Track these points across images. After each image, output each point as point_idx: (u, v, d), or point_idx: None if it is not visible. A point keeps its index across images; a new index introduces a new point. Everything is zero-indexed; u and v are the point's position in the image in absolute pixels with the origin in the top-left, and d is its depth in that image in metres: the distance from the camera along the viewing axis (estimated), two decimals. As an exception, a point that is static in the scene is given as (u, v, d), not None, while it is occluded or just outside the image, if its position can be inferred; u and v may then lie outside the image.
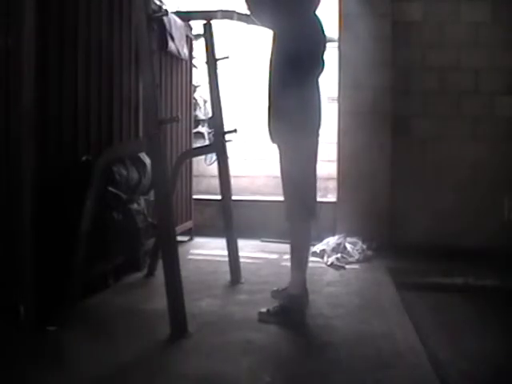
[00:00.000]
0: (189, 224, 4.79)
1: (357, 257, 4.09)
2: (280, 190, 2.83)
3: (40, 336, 2.37)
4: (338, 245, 4.17)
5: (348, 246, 4.18)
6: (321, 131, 2.84)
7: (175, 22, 4.14)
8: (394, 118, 4.56)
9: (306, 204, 2.75)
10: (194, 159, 4.94)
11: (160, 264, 2.80)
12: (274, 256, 4.20)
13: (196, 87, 5.44)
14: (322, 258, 4.09)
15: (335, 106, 4.69)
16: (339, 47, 4.62)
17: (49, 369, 2.07)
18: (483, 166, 4.51)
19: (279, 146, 2.81)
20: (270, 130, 2.81)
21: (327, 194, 5.10)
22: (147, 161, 3.04)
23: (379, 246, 4.29)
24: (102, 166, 2.68)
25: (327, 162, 5.11)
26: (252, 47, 5.99)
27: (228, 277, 3.42)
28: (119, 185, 2.85)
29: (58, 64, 2.66)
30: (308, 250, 2.90)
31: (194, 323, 2.51)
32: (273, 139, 2.83)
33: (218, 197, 3.59)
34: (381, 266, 3.94)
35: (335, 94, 4.68)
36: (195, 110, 5.50)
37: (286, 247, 2.96)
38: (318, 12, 2.82)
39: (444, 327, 2.87)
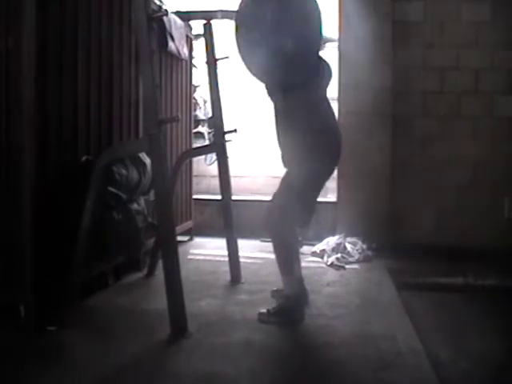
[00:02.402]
0: (189, 224, 4.79)
1: (357, 257, 4.08)
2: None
3: (40, 336, 2.37)
4: (338, 245, 4.17)
5: (348, 246, 4.18)
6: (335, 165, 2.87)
7: (175, 21, 4.15)
8: (394, 118, 4.55)
9: (302, 213, 2.72)
10: (194, 159, 4.94)
11: (160, 264, 2.80)
12: (274, 256, 4.18)
13: (196, 87, 5.44)
14: (322, 258, 4.09)
15: (335, 106, 4.69)
16: (339, 47, 4.62)
17: (49, 369, 2.07)
18: (483, 166, 4.50)
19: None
20: (281, 157, 2.81)
21: (327, 194, 5.09)
22: (147, 161, 3.05)
23: (379, 246, 4.29)
24: (102, 165, 2.68)
25: (327, 162, 5.11)
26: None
27: (228, 277, 3.42)
28: (119, 185, 2.85)
29: (57, 64, 2.66)
30: (294, 250, 2.79)
31: (194, 323, 2.51)
32: (284, 165, 2.82)
33: (218, 197, 3.59)
34: (381, 266, 3.94)
35: (335, 93, 4.68)
36: (195, 110, 5.50)
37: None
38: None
39: (444, 327, 2.87)
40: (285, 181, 2.76)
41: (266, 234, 2.78)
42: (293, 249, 2.78)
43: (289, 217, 2.67)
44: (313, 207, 2.80)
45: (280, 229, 2.70)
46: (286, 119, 2.70)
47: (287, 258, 2.74)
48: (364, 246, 4.23)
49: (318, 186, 2.79)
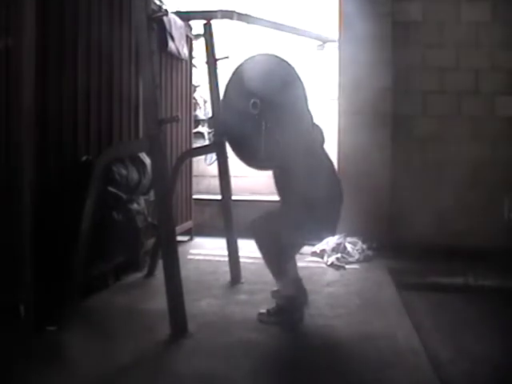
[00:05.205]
0: (189, 224, 4.79)
1: (357, 257, 4.09)
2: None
3: (40, 336, 2.37)
4: (338, 245, 4.17)
5: (348, 246, 4.18)
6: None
7: (175, 21, 4.15)
8: (394, 118, 4.56)
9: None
10: (194, 159, 4.94)
11: (160, 264, 2.80)
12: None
13: (196, 87, 5.44)
14: (322, 258, 4.09)
15: (335, 105, 4.69)
16: (339, 47, 4.63)
17: (49, 369, 2.07)
18: (483, 166, 4.50)
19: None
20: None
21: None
22: (147, 161, 3.05)
23: (379, 245, 4.29)
24: (102, 165, 2.68)
25: (327, 162, 5.11)
26: (252, 47, 5.99)
27: (228, 277, 3.42)
28: (119, 185, 2.85)
29: (57, 64, 2.66)
30: (283, 255, 2.70)
31: (194, 323, 2.51)
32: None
33: (218, 197, 3.59)
34: (381, 266, 3.94)
35: (335, 93, 4.68)
36: (195, 110, 5.50)
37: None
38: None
39: (444, 327, 2.87)
40: (283, 209, 2.74)
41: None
42: (280, 256, 2.70)
43: (278, 240, 2.59)
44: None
45: (266, 245, 2.68)
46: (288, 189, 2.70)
47: (277, 263, 2.71)
48: (364, 246, 4.23)
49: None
